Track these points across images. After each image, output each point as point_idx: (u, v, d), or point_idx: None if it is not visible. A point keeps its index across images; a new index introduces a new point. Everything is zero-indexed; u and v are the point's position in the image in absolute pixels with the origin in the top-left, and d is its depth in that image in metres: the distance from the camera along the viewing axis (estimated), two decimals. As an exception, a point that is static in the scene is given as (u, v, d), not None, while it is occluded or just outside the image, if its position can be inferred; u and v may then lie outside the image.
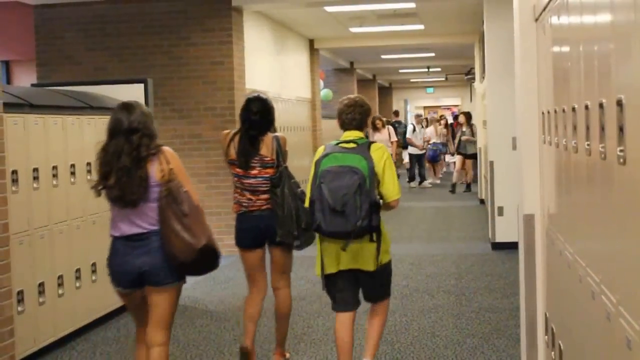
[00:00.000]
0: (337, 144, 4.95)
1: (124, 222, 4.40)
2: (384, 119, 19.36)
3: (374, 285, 5.01)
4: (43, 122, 6.26)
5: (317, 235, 5.00)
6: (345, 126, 5.04)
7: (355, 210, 4.71)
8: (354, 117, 5.01)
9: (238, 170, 5.43)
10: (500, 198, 10.32)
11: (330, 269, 4.89)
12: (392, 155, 14.92)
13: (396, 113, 24.48)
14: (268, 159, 5.40)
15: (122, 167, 4.30)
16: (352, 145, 4.89)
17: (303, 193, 5.30)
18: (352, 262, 4.86)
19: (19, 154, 5.85)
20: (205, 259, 4.35)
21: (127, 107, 4.46)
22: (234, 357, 6.07)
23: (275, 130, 5.56)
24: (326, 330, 6.73)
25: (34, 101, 6.23)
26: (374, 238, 4.86)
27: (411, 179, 20.51)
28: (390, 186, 4.90)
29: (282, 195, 5.32)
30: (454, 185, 18.38)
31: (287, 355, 5.84)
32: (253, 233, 5.44)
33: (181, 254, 4.28)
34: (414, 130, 20.54)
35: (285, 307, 5.63)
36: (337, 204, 4.68)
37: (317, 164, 4.85)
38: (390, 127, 17.72)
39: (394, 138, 17.65)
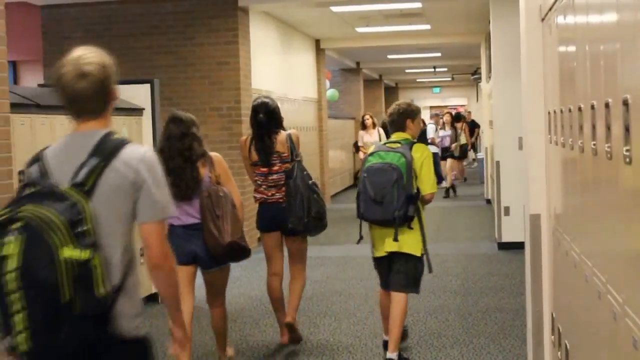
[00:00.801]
0: (385, 143, 5.77)
1: (181, 213, 5.12)
2: (375, 118, 17.80)
3: (398, 271, 5.52)
4: (50, 122, 6.28)
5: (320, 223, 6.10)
6: (390, 129, 5.76)
7: (392, 201, 5.33)
8: (393, 119, 5.69)
9: (262, 169, 6.01)
10: (506, 198, 10.31)
11: (378, 253, 5.60)
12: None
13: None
14: (285, 154, 5.99)
15: (177, 167, 5.06)
16: (396, 145, 5.54)
17: (315, 184, 6.06)
18: (393, 247, 5.46)
19: (25, 155, 5.84)
20: (234, 253, 5.17)
21: (179, 116, 5.28)
22: (240, 357, 6.08)
23: (285, 129, 6.11)
24: (332, 330, 6.74)
25: (41, 101, 6.25)
26: (412, 226, 5.44)
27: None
28: (426, 181, 5.46)
29: (294, 186, 5.89)
30: (448, 191, 17.43)
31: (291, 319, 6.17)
32: (273, 220, 6.06)
33: (211, 248, 5.11)
34: (436, 129, 20.25)
35: (300, 286, 6.26)
36: (377, 196, 5.37)
37: (364, 161, 5.60)
38: (381, 129, 15.27)
39: (384, 140, 16.55)
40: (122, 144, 2.85)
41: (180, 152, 5.11)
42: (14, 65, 13.25)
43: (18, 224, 2.62)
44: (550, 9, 4.34)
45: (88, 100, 2.92)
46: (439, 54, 21.30)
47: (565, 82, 3.92)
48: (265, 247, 6.23)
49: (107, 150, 2.81)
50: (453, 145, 17.59)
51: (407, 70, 27.46)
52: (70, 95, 2.97)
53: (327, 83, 18.32)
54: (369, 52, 20.25)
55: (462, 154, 18.52)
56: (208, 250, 5.12)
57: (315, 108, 16.81)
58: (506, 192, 10.33)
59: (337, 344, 6.31)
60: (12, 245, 2.59)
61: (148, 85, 7.91)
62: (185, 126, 5.18)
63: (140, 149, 2.90)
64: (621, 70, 2.52)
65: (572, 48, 3.66)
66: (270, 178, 6.00)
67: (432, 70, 26.39)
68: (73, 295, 2.56)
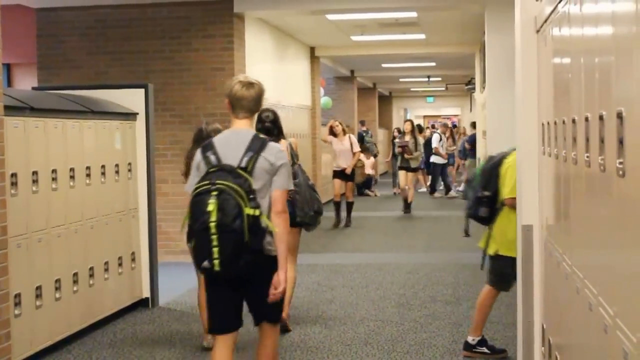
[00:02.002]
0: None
1: None
2: (344, 125, 15.64)
3: (489, 267, 6.14)
4: (43, 125, 6.26)
5: (319, 218, 6.90)
6: None
7: (468, 201, 6.11)
8: None
9: None
10: (498, 208, 10.30)
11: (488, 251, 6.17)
12: (347, 166, 13.75)
13: (362, 122, 24.06)
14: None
15: None
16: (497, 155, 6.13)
17: (313, 185, 6.94)
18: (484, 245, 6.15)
19: (18, 157, 5.85)
20: None
21: (207, 123, 6.50)
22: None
23: (285, 137, 6.84)
24: (323, 337, 6.73)
25: (35, 104, 6.24)
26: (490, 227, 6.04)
27: (434, 190, 20.09)
28: (505, 187, 5.83)
29: (299, 185, 6.55)
30: (406, 203, 16.28)
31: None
32: None
33: None
34: (440, 139, 20.03)
35: (291, 281, 6.70)
36: (465, 196, 6.31)
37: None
38: (352, 136, 14.64)
39: (357, 148, 14.25)
40: (265, 142, 4.42)
41: None
42: (8, 67, 13.23)
43: (216, 191, 4.15)
44: (545, 21, 4.35)
45: (248, 103, 4.51)
46: (433, 64, 21.34)
47: (559, 94, 3.93)
48: None
49: (258, 146, 4.36)
50: (414, 154, 16.10)
51: (401, 80, 27.50)
52: (239, 98, 4.51)
53: (322, 91, 18.32)
54: (363, 61, 20.28)
55: (417, 168, 16.82)
56: None
57: (309, 115, 16.82)
58: (498, 202, 10.32)
59: (327, 352, 6.30)
60: (213, 205, 4.12)
61: (142, 90, 7.90)
62: (212, 129, 6.31)
63: (276, 146, 4.45)
64: (616, 83, 2.53)
65: (566, 60, 3.67)
66: None
67: (426, 79, 26.43)
68: (250, 237, 4.14)
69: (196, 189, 4.23)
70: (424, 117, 39.40)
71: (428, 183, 21.28)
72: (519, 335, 5.16)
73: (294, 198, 6.54)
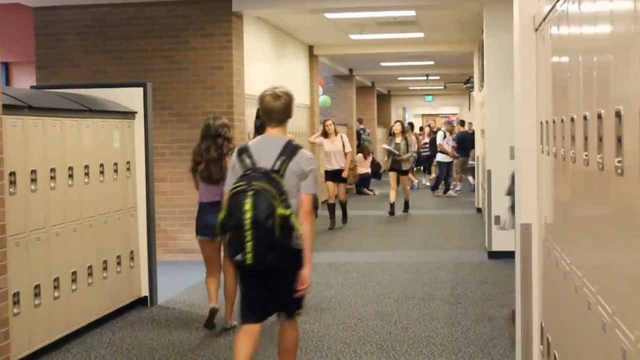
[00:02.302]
0: None
1: (211, 193, 6.72)
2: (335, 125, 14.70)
3: None
4: (42, 124, 6.26)
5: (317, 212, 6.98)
6: None
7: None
8: None
9: None
10: (497, 207, 10.31)
11: None
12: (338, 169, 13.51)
13: (360, 121, 23.97)
14: None
15: (211, 158, 6.75)
16: None
17: None
18: None
19: (17, 156, 5.85)
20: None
21: (213, 119, 6.95)
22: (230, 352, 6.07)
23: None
24: (321, 336, 6.73)
25: (33, 103, 6.23)
26: None
27: (436, 187, 19.98)
28: None
29: None
30: (392, 206, 15.64)
31: None
32: None
33: None
34: (445, 136, 19.87)
35: None
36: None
37: None
38: (344, 136, 14.03)
39: (348, 149, 13.64)
40: (297, 148, 4.84)
41: (215, 148, 6.79)
42: (6, 66, 13.23)
43: (252, 192, 4.55)
44: (544, 20, 4.35)
45: (278, 114, 4.91)
46: (431, 63, 21.33)
47: (558, 93, 3.93)
48: None
49: (289, 152, 4.78)
50: (404, 156, 15.51)
51: (399, 78, 27.50)
52: (268, 109, 4.90)
53: (320, 89, 18.32)
54: (362, 59, 20.27)
55: (408, 170, 16.35)
56: None
57: (308, 114, 16.82)
58: (497, 201, 10.33)
59: (326, 351, 6.30)
60: (248, 204, 4.53)
61: (141, 89, 7.90)
62: (218, 125, 6.84)
63: (307, 153, 4.88)
64: (614, 82, 2.53)
65: (565, 59, 3.67)
66: None
67: (425, 78, 26.43)
68: (280, 234, 4.54)
69: (233, 188, 4.65)
70: (423, 115, 39.41)
71: (431, 177, 21.32)
72: (517, 334, 5.16)
73: None
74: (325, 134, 13.73)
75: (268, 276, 4.74)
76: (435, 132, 21.78)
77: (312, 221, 4.79)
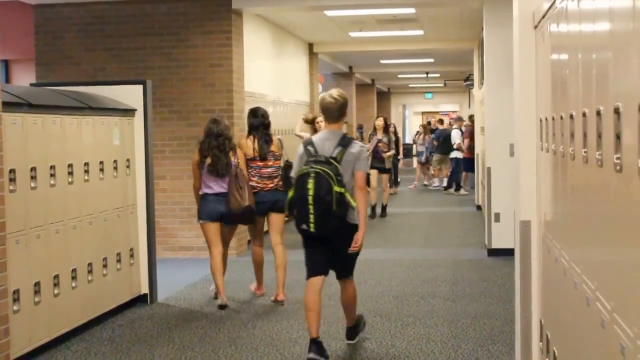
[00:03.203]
0: None
1: (216, 184, 7.57)
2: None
3: None
4: (42, 121, 6.26)
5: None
6: None
7: None
8: None
9: (259, 163, 7.73)
10: (497, 204, 10.33)
11: None
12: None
13: (360, 127, 23.73)
14: (278, 153, 7.81)
15: (214, 155, 7.52)
16: None
17: None
18: None
19: (17, 153, 5.85)
20: (247, 215, 7.56)
21: (216, 120, 7.71)
22: (229, 358, 6.08)
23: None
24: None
25: (33, 101, 6.23)
26: None
27: (450, 186, 19.57)
28: None
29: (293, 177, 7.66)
30: (373, 209, 14.70)
31: (283, 297, 7.82)
32: (264, 205, 7.73)
33: (234, 209, 7.47)
34: (462, 134, 19.31)
35: (283, 259, 7.84)
36: None
37: None
38: None
39: None
40: (351, 140, 5.89)
41: (217, 146, 7.52)
42: (6, 64, 13.22)
43: (314, 174, 5.63)
44: (543, 17, 4.36)
45: (336, 112, 6.00)
46: (431, 60, 21.34)
47: (557, 90, 3.93)
48: (258, 226, 7.94)
49: (345, 143, 5.84)
50: (386, 154, 14.58)
51: (399, 76, 27.51)
52: (327, 109, 5.99)
53: (320, 87, 18.32)
54: (362, 57, 20.28)
55: (390, 169, 15.41)
56: (230, 211, 7.48)
57: (308, 111, 16.82)
58: (497, 198, 10.35)
59: (326, 347, 6.30)
60: (311, 183, 5.62)
61: (140, 86, 7.90)
62: (220, 128, 7.59)
63: (359, 143, 5.96)
64: (613, 79, 2.53)
65: (564, 56, 3.68)
66: (264, 171, 7.73)
67: (425, 76, 26.43)
68: (336, 207, 5.60)
69: (300, 172, 5.73)
70: (423, 113, 39.41)
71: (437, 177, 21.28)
72: (517, 330, 5.17)
73: (286, 189, 7.53)
74: (314, 132, 11.78)
75: (326, 242, 5.82)
76: (434, 131, 21.80)
77: (365, 194, 5.87)
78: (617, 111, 2.40)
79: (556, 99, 3.96)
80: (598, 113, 2.72)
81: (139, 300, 7.86)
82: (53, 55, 10.87)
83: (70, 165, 6.65)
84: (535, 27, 4.76)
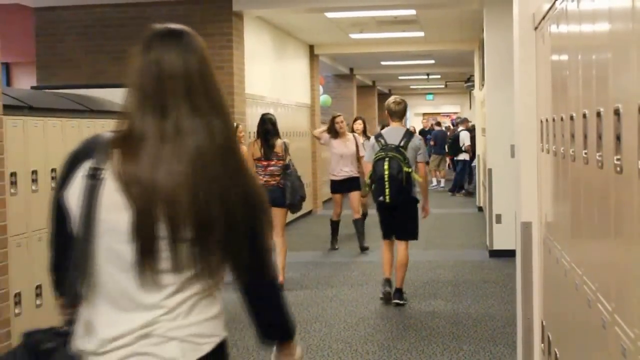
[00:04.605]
0: None
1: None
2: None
3: None
4: (42, 124, 6.27)
5: (302, 202, 8.57)
6: None
7: None
8: None
9: (263, 162, 8.46)
10: (498, 206, 10.33)
11: None
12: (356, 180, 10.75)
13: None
14: (280, 154, 8.46)
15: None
16: None
17: (300, 177, 8.56)
18: None
19: (18, 156, 5.85)
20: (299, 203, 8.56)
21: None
22: (238, 358, 6.07)
23: (280, 137, 8.67)
24: (323, 335, 6.73)
25: (34, 104, 6.24)
26: None
27: (455, 189, 19.37)
28: None
29: (291, 175, 8.35)
30: (364, 215, 11.54)
31: (282, 279, 8.47)
32: (273, 199, 8.23)
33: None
34: (470, 135, 19.13)
35: (283, 246, 8.52)
36: None
37: None
38: (357, 136, 11.24)
39: (363, 152, 9.99)
40: (413, 134, 7.64)
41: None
42: (7, 67, 13.24)
43: (387, 158, 7.35)
44: (543, 18, 4.36)
45: (400, 113, 7.71)
46: (432, 61, 21.34)
47: (557, 91, 3.93)
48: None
49: (408, 135, 7.52)
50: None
51: (400, 77, 27.51)
52: (393, 110, 7.72)
53: (321, 89, 18.32)
54: (362, 59, 20.28)
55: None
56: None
57: (308, 113, 16.82)
58: (498, 199, 10.35)
59: (327, 350, 6.31)
60: (386, 165, 7.33)
61: (141, 89, 7.89)
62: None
63: (418, 137, 7.65)
64: (613, 80, 2.53)
65: (564, 57, 3.67)
66: (269, 169, 8.44)
67: (426, 77, 26.44)
68: (406, 183, 7.35)
69: (376, 157, 7.48)
70: (424, 114, 39.42)
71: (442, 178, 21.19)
72: (518, 332, 5.17)
73: (285, 185, 8.34)
74: (334, 132, 10.96)
75: (394, 211, 7.59)
76: (428, 132, 21.81)
77: (426, 179, 7.89)
78: (617, 112, 2.40)
79: (556, 100, 3.96)
80: (598, 114, 2.72)
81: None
82: (54, 58, 10.88)
83: (71, 168, 6.64)
84: (536, 28, 4.76)
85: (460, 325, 6.98)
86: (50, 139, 6.37)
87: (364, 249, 10.96)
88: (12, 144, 5.70)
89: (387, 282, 7.88)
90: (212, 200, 2.03)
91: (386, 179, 7.36)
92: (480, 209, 15.51)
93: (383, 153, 7.43)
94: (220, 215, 2.04)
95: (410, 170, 7.37)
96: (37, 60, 10.96)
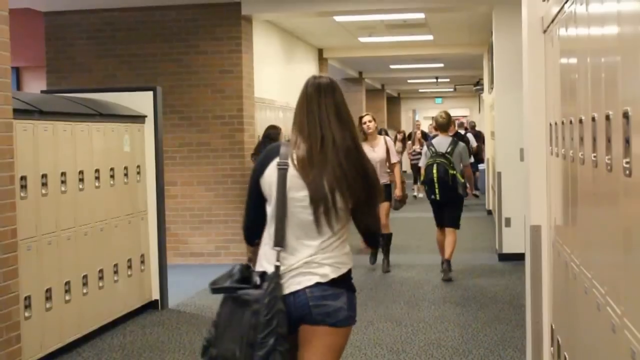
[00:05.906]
0: None
1: None
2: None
3: None
4: (52, 128, 6.29)
5: None
6: None
7: None
8: None
9: None
10: (507, 209, 10.31)
11: None
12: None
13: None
14: None
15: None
16: None
17: None
18: None
19: (28, 160, 5.88)
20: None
21: (273, 126, 9.85)
22: None
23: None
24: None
25: (44, 108, 6.26)
26: None
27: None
28: None
29: None
30: None
31: None
32: None
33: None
34: (477, 139, 19.07)
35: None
36: None
37: None
38: (389, 140, 9.99)
39: (395, 158, 9.61)
40: (458, 142, 9.25)
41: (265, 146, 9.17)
42: (17, 71, 13.28)
43: (436, 164, 9.02)
44: (552, 21, 4.36)
45: (446, 125, 9.34)
46: (441, 65, 21.31)
47: (566, 94, 3.93)
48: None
49: (454, 143, 9.14)
50: None
51: (409, 81, 27.48)
52: (441, 124, 9.39)
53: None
54: (371, 62, 20.27)
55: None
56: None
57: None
58: (507, 203, 10.34)
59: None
60: (435, 169, 9.02)
61: (151, 93, 7.92)
62: (277, 133, 9.50)
63: (462, 144, 9.28)
64: (622, 83, 2.53)
65: (573, 60, 3.67)
66: None
67: (435, 81, 26.41)
68: (452, 183, 9.00)
69: (427, 163, 9.04)
70: (433, 118, 39.36)
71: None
72: (528, 335, 5.16)
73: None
74: (361, 135, 9.28)
75: (443, 205, 9.10)
76: (426, 137, 21.68)
77: (471, 177, 9.58)
78: (626, 115, 2.39)
79: (565, 103, 3.95)
80: (607, 117, 2.72)
81: (150, 306, 7.88)
82: (63, 62, 10.91)
83: (81, 172, 6.67)
84: (544, 31, 4.75)
85: (470, 329, 6.97)
86: (60, 143, 6.39)
87: (386, 272, 9.90)
88: (22, 148, 5.72)
89: (447, 262, 9.30)
90: (356, 181, 3.30)
91: (435, 180, 8.94)
92: (489, 212, 15.48)
93: (432, 160, 9.00)
94: (361, 191, 3.32)
95: (455, 172, 8.91)
96: (47, 64, 11.00)
